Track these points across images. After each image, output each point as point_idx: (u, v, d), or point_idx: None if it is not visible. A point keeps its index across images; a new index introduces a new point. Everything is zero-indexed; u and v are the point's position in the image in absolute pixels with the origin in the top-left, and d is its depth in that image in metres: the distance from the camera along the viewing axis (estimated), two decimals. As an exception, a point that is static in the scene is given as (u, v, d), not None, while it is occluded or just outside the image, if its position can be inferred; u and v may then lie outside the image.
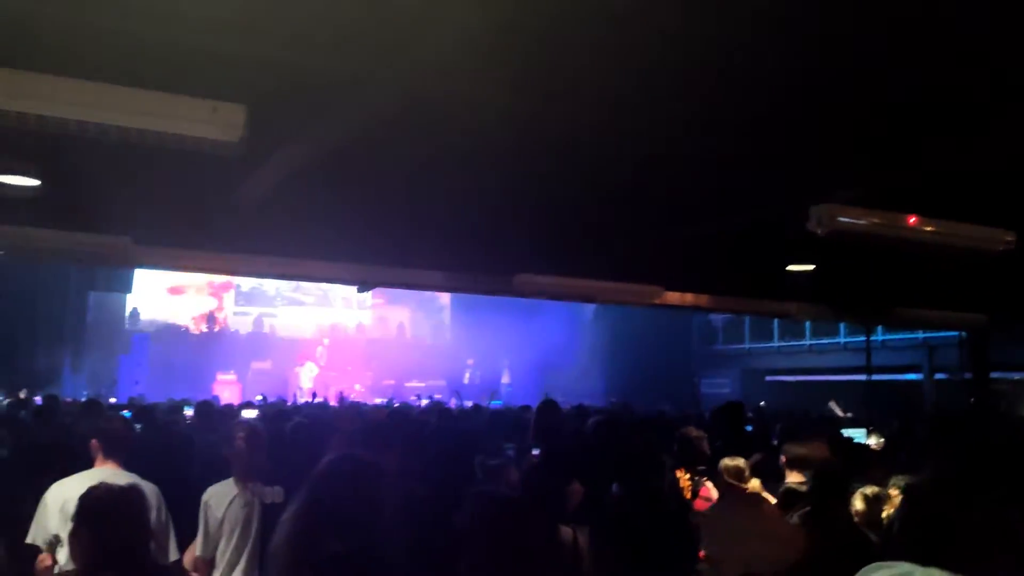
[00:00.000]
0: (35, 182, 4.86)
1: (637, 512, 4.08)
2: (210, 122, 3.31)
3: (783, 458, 4.92)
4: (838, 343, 19.56)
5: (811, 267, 7.09)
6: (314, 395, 19.16)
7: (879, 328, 16.89)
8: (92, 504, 2.73)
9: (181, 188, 5.12)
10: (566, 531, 3.88)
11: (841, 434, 6.89)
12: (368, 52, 3.15)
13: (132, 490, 2.82)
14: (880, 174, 4.57)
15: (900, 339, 17.90)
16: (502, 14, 2.85)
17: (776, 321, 20.83)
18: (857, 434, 9.06)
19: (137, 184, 5.03)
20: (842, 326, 18.89)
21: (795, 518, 4.07)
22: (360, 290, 8.58)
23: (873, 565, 1.27)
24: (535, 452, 5.81)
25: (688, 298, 9.13)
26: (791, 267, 7.12)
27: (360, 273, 8.07)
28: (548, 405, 6.85)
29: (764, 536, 3.84)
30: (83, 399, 14.19)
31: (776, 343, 22.12)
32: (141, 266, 15.80)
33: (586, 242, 6.85)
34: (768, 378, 22.13)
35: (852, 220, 4.52)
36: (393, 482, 2.92)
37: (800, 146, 4.22)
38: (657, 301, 8.61)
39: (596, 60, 3.23)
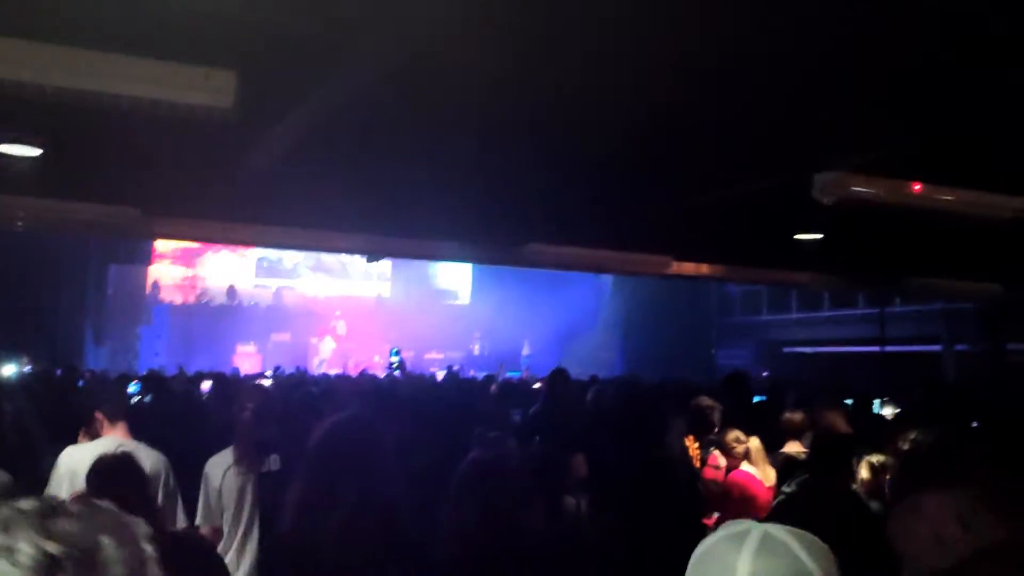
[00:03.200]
0: (36, 151, 4.85)
1: (637, 479, 4.08)
2: (202, 88, 3.33)
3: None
4: (855, 314, 19.26)
5: (819, 236, 7.02)
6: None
7: (897, 298, 16.65)
8: (93, 472, 2.86)
9: (185, 157, 5.09)
10: (569, 501, 3.88)
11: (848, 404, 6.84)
12: (354, 16, 3.09)
13: (127, 457, 2.93)
14: (885, 141, 4.49)
15: (919, 310, 17.56)
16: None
17: (794, 292, 20.62)
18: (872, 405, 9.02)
19: (140, 154, 5.01)
20: (860, 296, 18.62)
21: (793, 486, 4.05)
22: (369, 260, 8.56)
23: (722, 526, 1.26)
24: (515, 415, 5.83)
25: (699, 268, 9.06)
26: (799, 236, 7.05)
27: (371, 243, 8.02)
28: (558, 374, 6.85)
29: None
30: (102, 370, 14.38)
31: (793, 314, 21.89)
32: (152, 237, 15.92)
33: (596, 212, 6.81)
34: (786, 349, 21.94)
35: (856, 188, 4.47)
36: (395, 446, 2.93)
37: (803, 113, 4.15)
38: (668, 271, 8.58)
39: (591, 27, 3.19)
